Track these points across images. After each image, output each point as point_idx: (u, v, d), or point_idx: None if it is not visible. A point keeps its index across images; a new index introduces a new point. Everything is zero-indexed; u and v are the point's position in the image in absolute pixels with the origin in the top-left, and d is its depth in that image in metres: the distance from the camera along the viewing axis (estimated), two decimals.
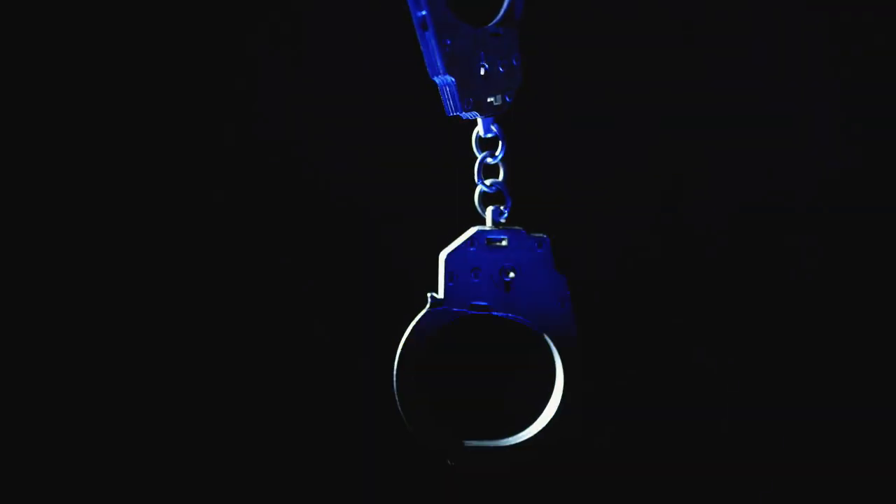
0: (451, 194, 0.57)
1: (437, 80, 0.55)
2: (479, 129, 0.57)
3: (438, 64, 0.55)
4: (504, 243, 0.56)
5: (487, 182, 0.57)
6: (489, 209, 0.57)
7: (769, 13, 0.60)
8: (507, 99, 0.56)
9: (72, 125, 0.59)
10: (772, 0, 0.61)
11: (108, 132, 0.60)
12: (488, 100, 0.56)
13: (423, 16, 0.54)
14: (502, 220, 0.57)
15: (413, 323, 0.56)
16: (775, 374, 0.63)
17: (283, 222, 0.61)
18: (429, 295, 0.56)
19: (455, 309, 0.56)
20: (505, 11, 0.55)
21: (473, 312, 0.56)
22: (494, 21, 0.55)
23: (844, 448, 0.62)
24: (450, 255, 0.56)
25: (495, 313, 0.56)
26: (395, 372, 0.56)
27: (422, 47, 0.54)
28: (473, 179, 0.57)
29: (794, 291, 0.62)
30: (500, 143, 0.57)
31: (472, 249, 0.56)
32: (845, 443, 0.62)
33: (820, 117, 0.60)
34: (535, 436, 0.57)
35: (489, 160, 0.57)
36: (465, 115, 0.56)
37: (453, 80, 0.55)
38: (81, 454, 0.61)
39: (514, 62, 0.56)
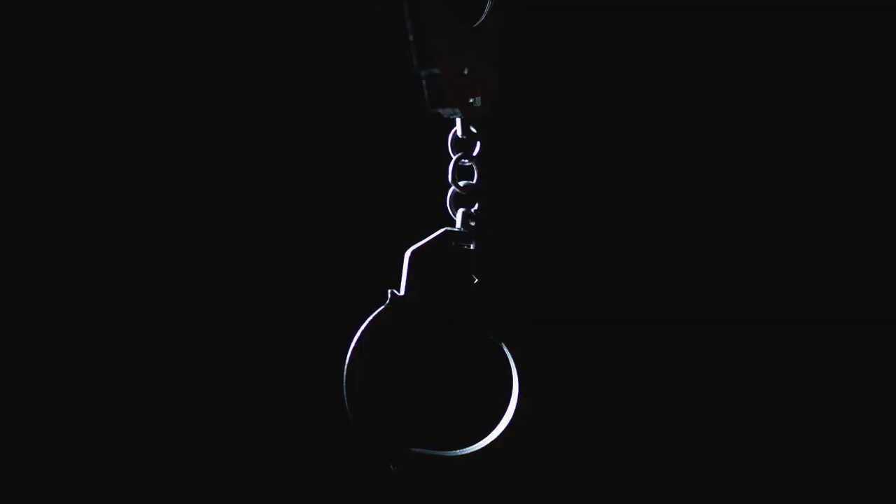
0: (425, 192, 0.56)
1: (422, 72, 0.54)
2: (456, 130, 0.56)
3: (426, 55, 0.54)
4: (471, 246, 0.55)
5: (461, 183, 0.56)
6: (460, 210, 0.56)
7: None
8: (485, 102, 0.55)
9: (76, 121, 0.60)
10: None
11: (110, 131, 0.60)
12: (469, 100, 0.55)
13: (416, 7, 0.53)
14: (472, 223, 0.56)
15: (369, 319, 0.54)
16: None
17: (267, 216, 0.60)
18: (389, 291, 0.54)
19: (414, 308, 0.54)
20: (486, 16, 0.55)
21: (432, 313, 0.55)
22: (477, 24, 0.55)
23: None
24: (414, 252, 0.55)
25: (454, 316, 0.55)
26: (345, 369, 0.54)
27: (411, 39, 0.54)
28: (447, 179, 0.56)
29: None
30: (477, 145, 0.56)
31: (437, 249, 0.55)
32: None
33: None
34: (484, 449, 0.55)
35: (464, 161, 0.56)
36: (446, 112, 0.55)
37: (439, 73, 0.54)
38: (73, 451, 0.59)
39: (493, 67, 0.55)
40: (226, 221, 0.60)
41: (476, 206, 0.56)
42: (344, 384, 0.54)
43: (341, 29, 0.60)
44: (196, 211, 0.60)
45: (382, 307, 0.54)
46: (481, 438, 0.55)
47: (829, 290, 0.61)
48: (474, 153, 0.56)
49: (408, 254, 0.55)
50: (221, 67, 0.60)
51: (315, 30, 0.60)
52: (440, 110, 0.55)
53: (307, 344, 0.59)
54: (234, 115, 0.60)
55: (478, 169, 0.56)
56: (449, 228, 0.55)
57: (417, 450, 0.54)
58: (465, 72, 0.55)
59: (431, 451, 0.54)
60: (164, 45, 0.59)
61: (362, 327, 0.54)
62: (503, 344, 0.55)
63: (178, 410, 0.60)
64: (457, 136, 0.56)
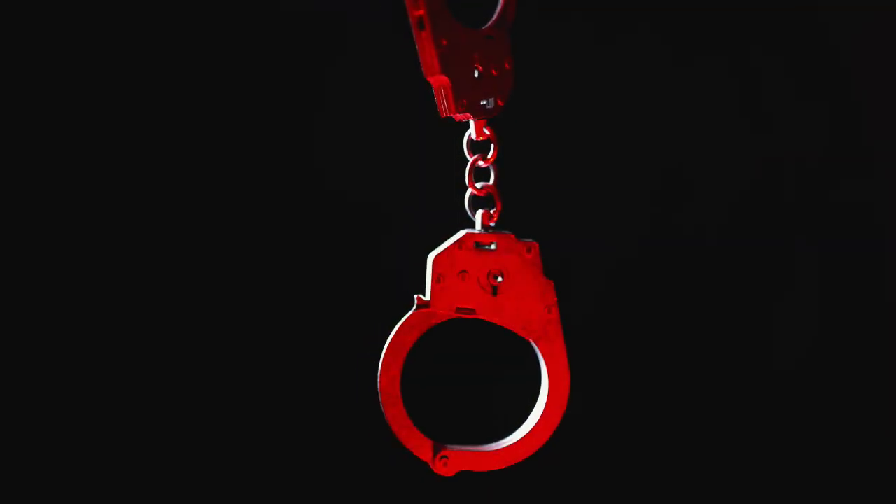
0: (444, 196, 0.57)
1: (431, 80, 0.55)
2: (471, 132, 0.56)
3: (434, 64, 0.54)
4: (493, 247, 0.56)
5: (478, 185, 0.56)
6: (479, 212, 0.56)
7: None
8: (500, 103, 0.55)
9: (71, 121, 0.60)
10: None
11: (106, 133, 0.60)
12: (481, 102, 0.55)
13: (421, 15, 0.54)
14: (492, 224, 0.56)
15: (398, 325, 0.56)
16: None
17: (274, 220, 0.61)
18: (415, 296, 0.56)
19: (441, 311, 0.55)
20: (498, 15, 0.55)
21: (459, 315, 0.56)
22: (488, 24, 0.55)
23: None
24: (437, 256, 0.56)
25: (481, 317, 0.56)
26: (379, 374, 0.55)
27: (417, 46, 0.54)
28: (465, 182, 0.56)
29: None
30: (493, 146, 0.56)
31: (460, 252, 0.56)
32: None
33: None
34: (518, 443, 0.56)
35: (480, 163, 0.56)
36: (459, 116, 0.55)
37: (448, 80, 0.54)
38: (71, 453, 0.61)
39: (507, 66, 0.55)
40: (238, 228, 0.61)
41: (495, 208, 0.56)
42: (379, 389, 0.55)
43: (346, 32, 0.60)
44: (209, 215, 0.60)
45: (410, 312, 0.56)
46: (514, 433, 0.56)
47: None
48: (490, 155, 0.56)
49: (430, 258, 0.56)
50: (230, 70, 0.60)
51: (320, 33, 0.60)
52: (452, 115, 0.55)
53: (335, 351, 0.61)
54: (241, 120, 0.60)
55: (495, 170, 0.56)
56: (470, 231, 0.56)
57: (453, 448, 0.56)
58: (476, 74, 0.55)
59: (466, 449, 0.56)
60: (156, 45, 0.60)
61: (393, 333, 0.55)
62: (531, 340, 0.56)
63: (209, 420, 0.61)
64: (471, 139, 0.56)
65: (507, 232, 0.56)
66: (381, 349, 0.55)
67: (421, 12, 0.53)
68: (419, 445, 0.56)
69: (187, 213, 0.61)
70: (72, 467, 0.61)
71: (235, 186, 0.60)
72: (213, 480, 0.61)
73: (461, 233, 0.56)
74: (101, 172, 0.60)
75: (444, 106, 0.55)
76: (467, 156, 0.57)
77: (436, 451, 0.56)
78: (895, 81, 0.60)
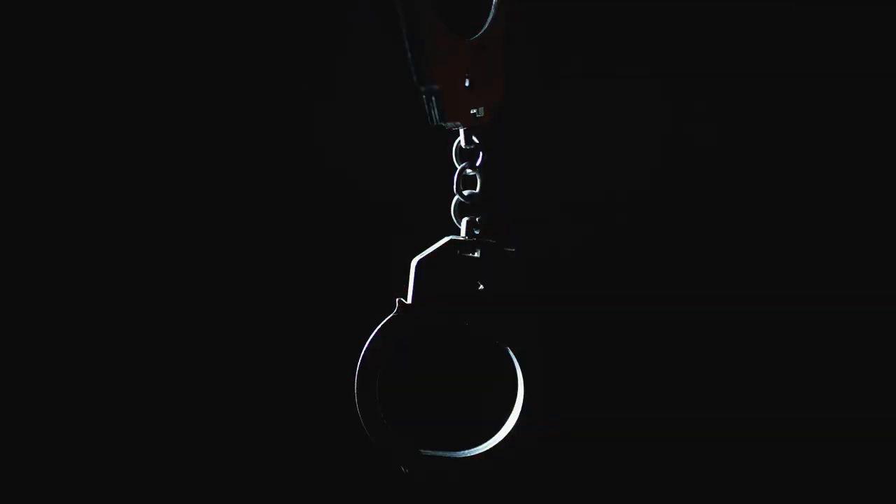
0: (430, 201, 0.58)
1: (422, 88, 0.55)
2: (460, 140, 0.57)
3: (426, 72, 0.55)
4: (476, 254, 0.56)
5: (465, 193, 0.57)
6: (465, 219, 0.57)
7: None
8: (489, 112, 0.56)
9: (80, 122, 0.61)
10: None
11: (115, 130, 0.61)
12: (471, 111, 0.56)
13: (414, 24, 0.54)
14: (476, 232, 0.57)
15: (378, 327, 0.56)
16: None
17: (262, 218, 0.62)
18: (397, 300, 0.56)
19: (422, 315, 0.56)
20: (489, 26, 0.56)
21: (440, 320, 0.56)
22: (479, 34, 0.56)
23: None
24: (421, 261, 0.56)
25: (461, 322, 0.56)
26: (356, 375, 0.56)
27: (410, 55, 0.55)
28: (452, 189, 0.57)
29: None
30: (480, 154, 0.57)
31: (443, 258, 0.56)
32: None
33: None
34: (492, 449, 0.56)
35: (468, 171, 0.57)
36: (448, 125, 0.56)
37: (439, 89, 0.55)
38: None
39: (497, 76, 0.56)
40: (225, 230, 0.61)
41: (481, 216, 0.57)
42: (356, 390, 0.56)
43: (341, 36, 0.61)
44: (197, 218, 0.61)
45: (391, 315, 0.56)
46: (488, 440, 0.57)
47: (829, 300, 0.62)
48: (478, 163, 0.57)
49: (414, 263, 0.56)
50: (219, 71, 0.60)
51: (314, 36, 0.61)
52: (442, 123, 0.56)
53: (316, 351, 0.61)
54: (235, 123, 0.61)
55: (481, 178, 0.57)
56: (454, 237, 0.57)
57: (428, 452, 0.56)
58: (467, 84, 0.56)
59: (441, 453, 0.56)
60: (156, 45, 0.60)
61: (372, 335, 0.56)
62: (508, 348, 0.56)
63: (193, 419, 0.62)
64: (460, 147, 0.57)
65: (490, 240, 0.56)
66: (360, 350, 0.56)
67: (416, 21, 0.54)
68: (393, 447, 0.56)
69: (176, 216, 0.61)
70: (65, 466, 0.62)
71: (228, 192, 0.61)
72: (191, 476, 0.62)
73: (445, 239, 0.56)
74: (104, 166, 0.61)
75: (435, 115, 0.56)
76: (455, 163, 0.57)
77: (410, 454, 0.56)
78: None
